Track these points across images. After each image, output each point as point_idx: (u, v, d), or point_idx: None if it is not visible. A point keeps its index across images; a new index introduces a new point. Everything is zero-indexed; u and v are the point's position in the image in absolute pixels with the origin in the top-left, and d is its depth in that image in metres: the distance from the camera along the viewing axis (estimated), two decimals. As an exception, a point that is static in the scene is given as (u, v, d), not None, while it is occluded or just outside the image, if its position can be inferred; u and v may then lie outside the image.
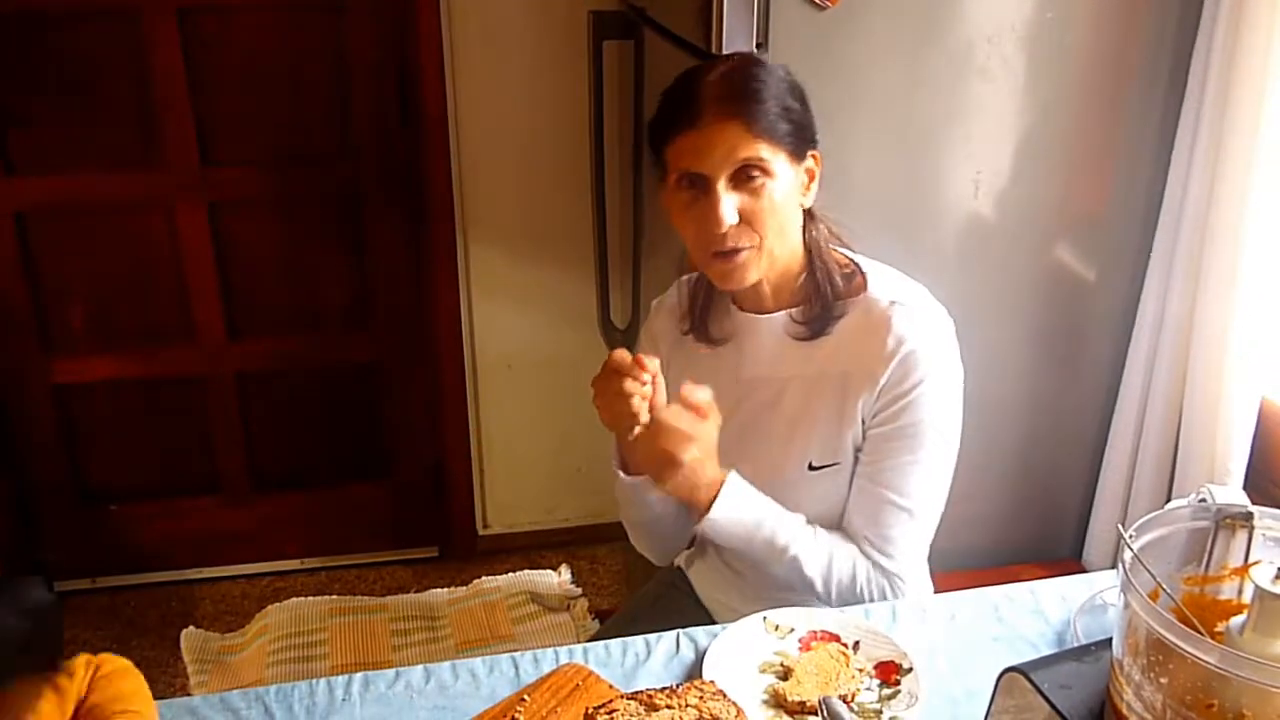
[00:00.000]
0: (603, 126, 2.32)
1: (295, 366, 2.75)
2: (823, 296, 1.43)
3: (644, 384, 1.34)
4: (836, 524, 1.47)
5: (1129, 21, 1.86)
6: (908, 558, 1.46)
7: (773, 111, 1.33)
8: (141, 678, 1.15)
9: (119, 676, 1.12)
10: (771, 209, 1.35)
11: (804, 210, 1.42)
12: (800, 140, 1.37)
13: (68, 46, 2.38)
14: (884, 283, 1.44)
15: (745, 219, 1.34)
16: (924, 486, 1.43)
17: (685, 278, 1.58)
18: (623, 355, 1.35)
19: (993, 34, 1.80)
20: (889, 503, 1.42)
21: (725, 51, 1.70)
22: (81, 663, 1.11)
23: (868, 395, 1.40)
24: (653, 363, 1.35)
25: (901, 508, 1.43)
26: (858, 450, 1.44)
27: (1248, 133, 1.76)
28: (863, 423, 1.42)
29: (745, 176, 1.33)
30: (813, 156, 1.40)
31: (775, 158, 1.34)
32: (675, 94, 1.38)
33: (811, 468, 1.45)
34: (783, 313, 1.45)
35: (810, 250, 1.44)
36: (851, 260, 1.47)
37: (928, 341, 1.39)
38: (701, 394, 1.36)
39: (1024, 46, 1.82)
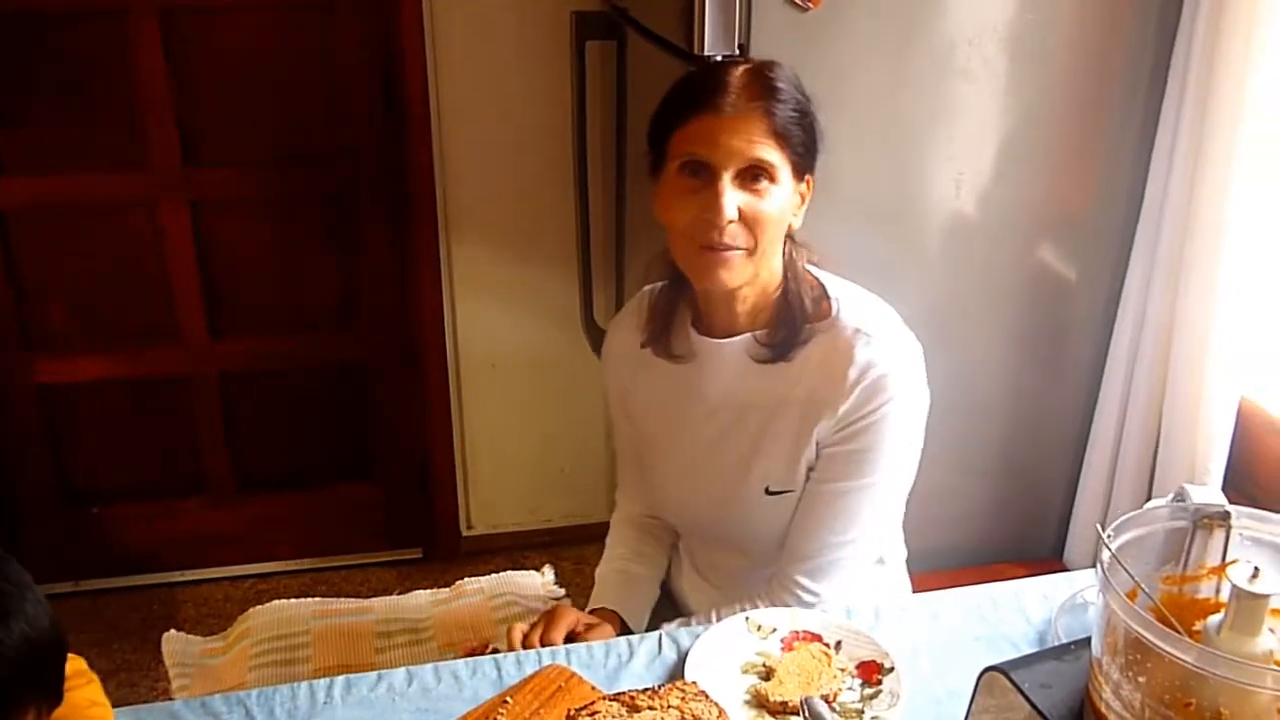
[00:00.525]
0: (585, 127, 2.32)
1: (279, 367, 2.74)
2: (791, 320, 1.41)
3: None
4: None
5: (1110, 23, 1.87)
6: (841, 585, 1.45)
7: (792, 114, 1.34)
8: (98, 684, 1.14)
9: (73, 682, 1.11)
10: (771, 215, 1.34)
11: (788, 231, 1.41)
12: (806, 156, 1.37)
13: (51, 47, 2.36)
14: (851, 309, 1.42)
15: (744, 219, 1.32)
16: (866, 514, 1.43)
17: (648, 289, 1.55)
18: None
19: (974, 35, 1.81)
20: (830, 532, 1.42)
21: (707, 52, 1.71)
22: None
23: (826, 422, 1.39)
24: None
25: (842, 541, 1.42)
26: (810, 470, 1.43)
27: (1227, 133, 1.77)
28: (817, 446, 1.41)
29: (751, 176, 1.32)
30: (808, 180, 1.40)
31: (783, 165, 1.34)
32: (697, 79, 1.37)
33: (768, 493, 1.44)
34: (745, 336, 1.42)
35: (787, 270, 1.43)
36: (820, 283, 1.45)
37: (891, 370, 1.38)
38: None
39: (1005, 48, 1.83)
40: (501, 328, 2.75)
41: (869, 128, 1.84)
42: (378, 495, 2.89)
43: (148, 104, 2.42)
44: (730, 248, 1.33)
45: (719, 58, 1.62)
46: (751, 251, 1.35)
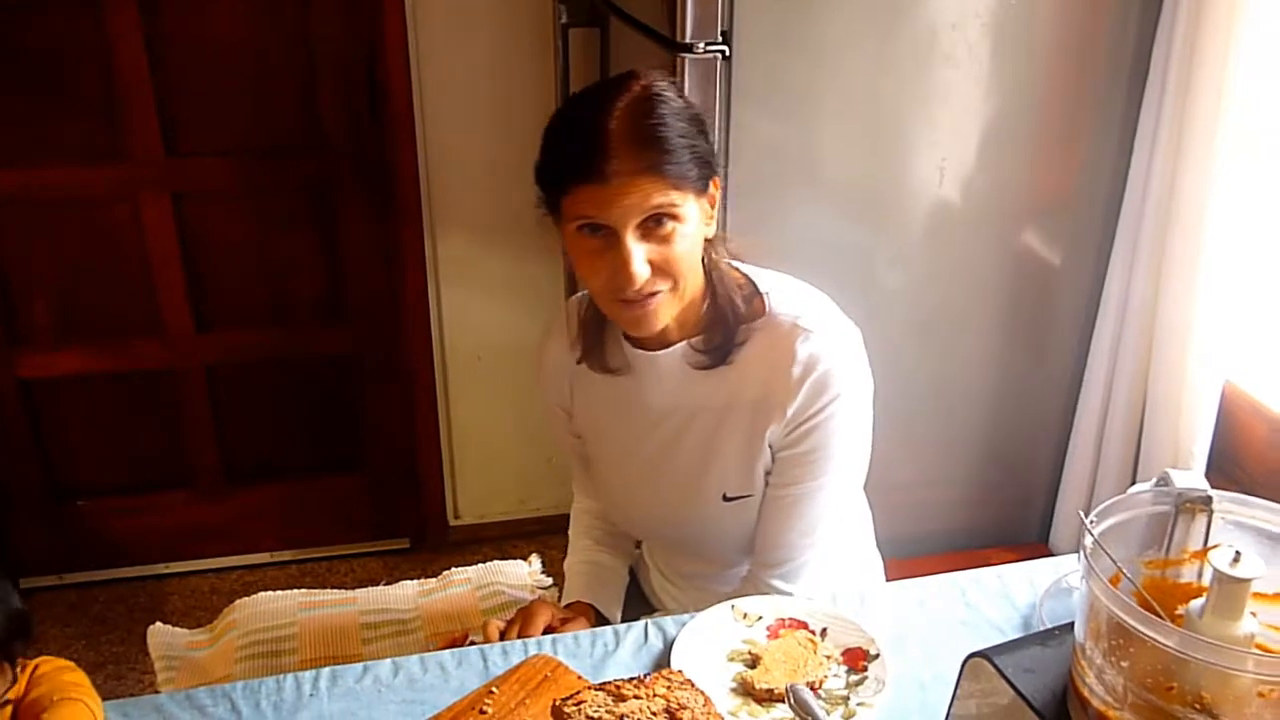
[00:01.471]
0: (570, 115, 2.31)
1: (264, 359, 2.73)
2: (724, 323, 1.37)
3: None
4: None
5: (1093, 9, 1.87)
6: (813, 582, 1.45)
7: (683, 157, 1.24)
8: (82, 673, 1.15)
9: (59, 671, 1.13)
10: (682, 254, 1.27)
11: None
12: (706, 175, 1.29)
13: (29, 37, 2.34)
14: (785, 302, 1.38)
15: (656, 267, 1.26)
16: (829, 511, 1.42)
17: (574, 299, 1.51)
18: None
19: (957, 21, 1.80)
20: (797, 534, 1.41)
21: (689, 40, 1.70)
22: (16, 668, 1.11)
23: (776, 424, 1.37)
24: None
25: (809, 542, 1.42)
26: (768, 475, 1.42)
27: (1209, 120, 1.77)
28: (771, 450, 1.40)
29: (655, 221, 1.25)
30: (713, 183, 1.32)
31: (684, 200, 1.26)
32: (572, 140, 1.27)
33: (726, 499, 1.43)
34: (681, 344, 1.38)
35: (710, 275, 1.37)
36: (749, 279, 1.41)
37: (834, 365, 1.35)
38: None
39: (988, 34, 1.83)
40: (487, 318, 2.74)
41: (852, 114, 1.84)
42: (364, 486, 2.88)
43: (128, 94, 2.40)
44: (650, 295, 1.28)
45: (592, 102, 1.35)
46: (673, 289, 1.29)
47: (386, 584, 1.94)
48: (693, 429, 1.43)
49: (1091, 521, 0.97)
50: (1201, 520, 1.02)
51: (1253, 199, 1.79)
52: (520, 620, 1.46)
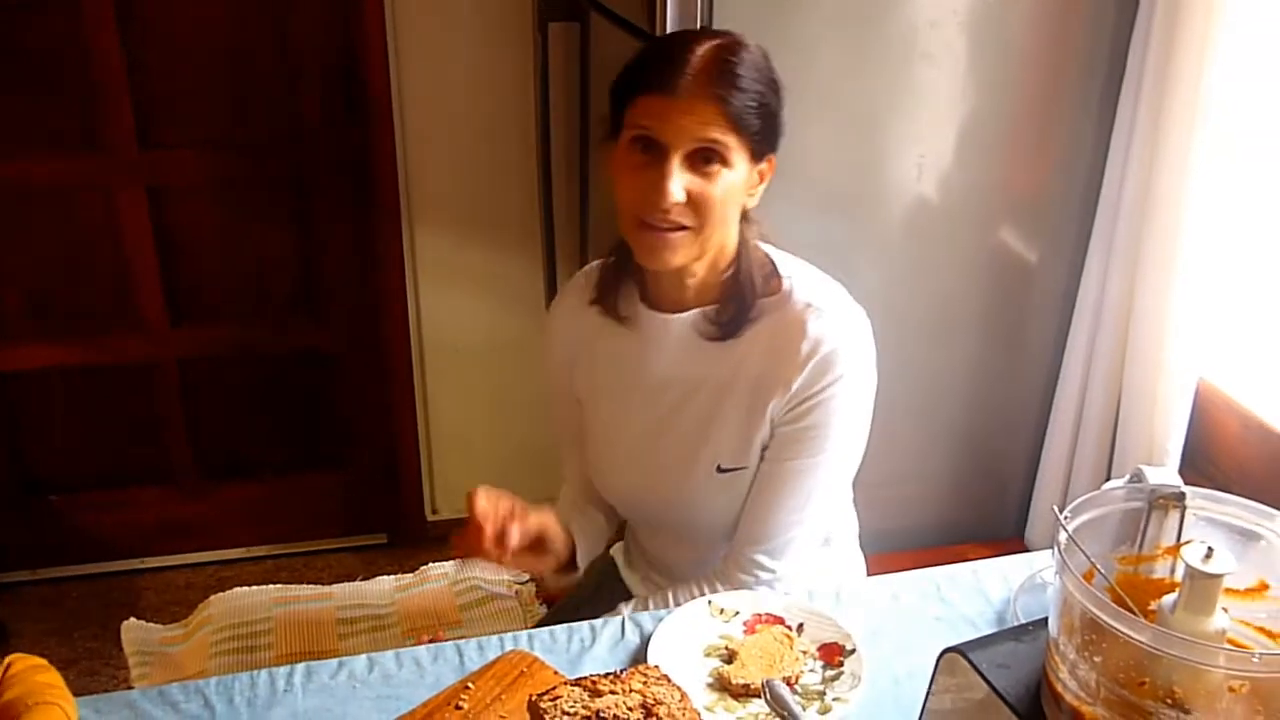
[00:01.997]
0: (549, 109, 2.30)
1: (240, 353, 2.71)
2: (741, 297, 1.39)
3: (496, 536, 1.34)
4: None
5: (1069, 8, 1.87)
6: (796, 562, 1.45)
7: (750, 103, 1.29)
8: (56, 672, 1.14)
9: (32, 671, 1.11)
10: (720, 198, 1.31)
11: (743, 209, 1.39)
12: (765, 139, 1.34)
13: (3, 29, 2.32)
14: (801, 284, 1.41)
15: (691, 200, 1.30)
16: (820, 490, 1.43)
17: (592, 265, 1.54)
18: (481, 512, 1.33)
19: (936, 18, 1.81)
20: (786, 510, 1.42)
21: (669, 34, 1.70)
22: None
23: (779, 399, 1.39)
24: (493, 510, 1.34)
25: (797, 519, 1.43)
26: (764, 450, 1.43)
27: (1185, 118, 1.78)
28: (771, 424, 1.41)
29: (703, 158, 1.29)
30: (769, 160, 1.37)
31: (737, 149, 1.30)
32: (658, 53, 1.33)
33: (720, 470, 1.44)
34: (694, 311, 1.41)
35: (741, 249, 1.40)
36: (770, 259, 1.44)
37: (842, 345, 1.37)
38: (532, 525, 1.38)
39: (966, 31, 1.83)
40: (466, 313, 2.74)
41: (831, 110, 1.84)
42: (341, 482, 2.87)
43: (103, 85, 2.38)
44: (674, 227, 1.31)
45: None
46: (697, 231, 1.32)
47: (363, 579, 1.94)
48: (694, 400, 1.44)
49: (1066, 517, 0.97)
50: (1174, 516, 1.02)
51: (1227, 196, 1.80)
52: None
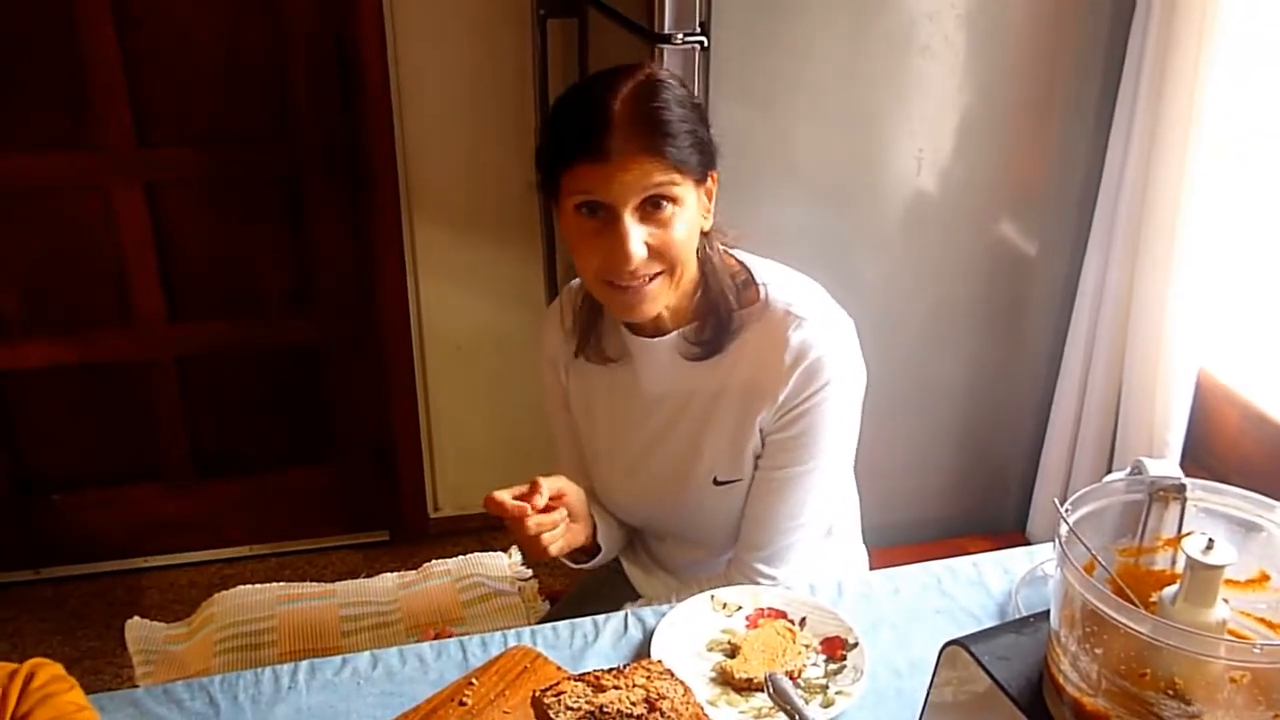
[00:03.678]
0: (548, 105, 2.30)
1: (238, 350, 2.71)
2: (717, 314, 1.38)
3: (544, 513, 1.33)
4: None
5: (1067, 0, 1.87)
6: (798, 567, 1.45)
7: (684, 142, 1.26)
8: (77, 685, 1.10)
9: (58, 685, 1.06)
10: (681, 239, 1.29)
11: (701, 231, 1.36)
12: (705, 165, 1.31)
13: (-2, 26, 2.32)
14: (778, 291, 1.39)
15: (654, 251, 1.27)
16: (815, 496, 1.43)
17: (572, 285, 1.52)
18: (513, 506, 1.30)
19: (934, 11, 1.81)
20: (782, 517, 1.42)
21: (668, 30, 1.70)
22: (5, 673, 1.05)
23: (767, 411, 1.38)
24: (543, 494, 1.32)
25: (794, 525, 1.43)
26: (757, 459, 1.43)
27: (1182, 110, 1.78)
28: (761, 434, 1.41)
29: (653, 205, 1.26)
30: (711, 177, 1.34)
31: (683, 185, 1.27)
32: (577, 117, 1.28)
33: (716, 483, 1.44)
34: (674, 334, 1.40)
35: (703, 267, 1.38)
36: (745, 267, 1.42)
37: (826, 351, 1.36)
38: (551, 485, 1.34)
39: (964, 24, 1.83)
40: (466, 309, 2.74)
41: (829, 104, 1.84)
42: (342, 479, 2.87)
43: (98, 83, 2.38)
44: (645, 280, 1.29)
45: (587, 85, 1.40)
46: (669, 274, 1.31)
47: (366, 577, 1.94)
48: (686, 414, 1.44)
49: (1066, 510, 0.98)
50: (1175, 508, 1.02)
51: (1226, 187, 1.80)
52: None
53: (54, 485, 2.74)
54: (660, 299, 1.33)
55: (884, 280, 1.98)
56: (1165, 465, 1.05)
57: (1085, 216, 2.00)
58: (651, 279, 1.30)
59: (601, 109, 1.25)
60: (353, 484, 2.88)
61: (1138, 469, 1.06)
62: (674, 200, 1.27)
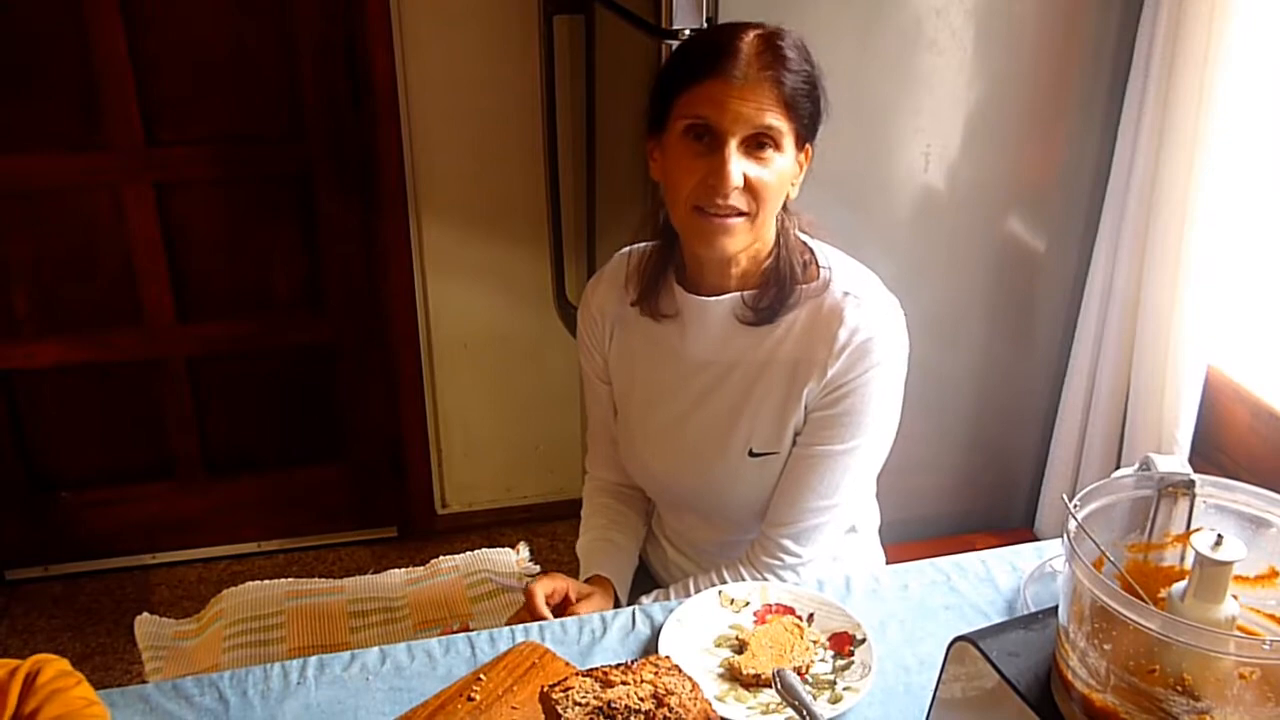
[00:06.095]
0: (555, 103, 2.31)
1: (247, 349, 2.72)
2: (780, 284, 1.41)
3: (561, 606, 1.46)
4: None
5: (1076, -5, 1.87)
6: (822, 549, 1.47)
7: (802, 85, 1.33)
8: (84, 679, 1.10)
9: (64, 680, 1.06)
10: (774, 183, 1.34)
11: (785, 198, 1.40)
12: (810, 125, 1.37)
13: (6, 24, 2.32)
14: (840, 273, 1.43)
15: (748, 186, 1.32)
16: (849, 479, 1.44)
17: (628, 249, 1.55)
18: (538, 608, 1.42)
19: (941, 7, 1.81)
20: (816, 496, 1.43)
21: (675, 26, 1.70)
22: (6, 670, 1.04)
23: (814, 384, 1.40)
24: (548, 614, 1.42)
25: (825, 505, 1.43)
26: (797, 435, 1.44)
27: (1191, 107, 1.78)
28: (806, 409, 1.42)
29: (757, 144, 1.31)
30: (807, 149, 1.39)
31: (788, 134, 1.33)
32: (707, 43, 1.35)
33: (752, 454, 1.45)
34: (732, 295, 1.42)
35: (780, 238, 1.42)
36: (809, 247, 1.46)
37: (879, 333, 1.39)
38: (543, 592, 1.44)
39: (972, 20, 1.83)
40: (473, 307, 2.74)
41: (837, 100, 1.81)
42: (350, 476, 2.88)
43: (108, 83, 2.39)
44: (733, 214, 1.33)
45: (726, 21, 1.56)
46: (753, 218, 1.34)
47: (374, 572, 1.94)
48: (727, 383, 1.45)
49: (1075, 506, 0.98)
50: (1184, 504, 1.02)
51: (1235, 184, 1.80)
52: (539, 587, 1.44)
53: (65, 483, 2.75)
54: (739, 239, 1.35)
55: (892, 277, 1.95)
56: (1174, 461, 1.04)
57: (1094, 213, 1.99)
58: (737, 215, 1.33)
59: (733, 39, 1.32)
60: (361, 481, 2.88)
61: (1146, 465, 1.06)
62: (777, 145, 1.32)
